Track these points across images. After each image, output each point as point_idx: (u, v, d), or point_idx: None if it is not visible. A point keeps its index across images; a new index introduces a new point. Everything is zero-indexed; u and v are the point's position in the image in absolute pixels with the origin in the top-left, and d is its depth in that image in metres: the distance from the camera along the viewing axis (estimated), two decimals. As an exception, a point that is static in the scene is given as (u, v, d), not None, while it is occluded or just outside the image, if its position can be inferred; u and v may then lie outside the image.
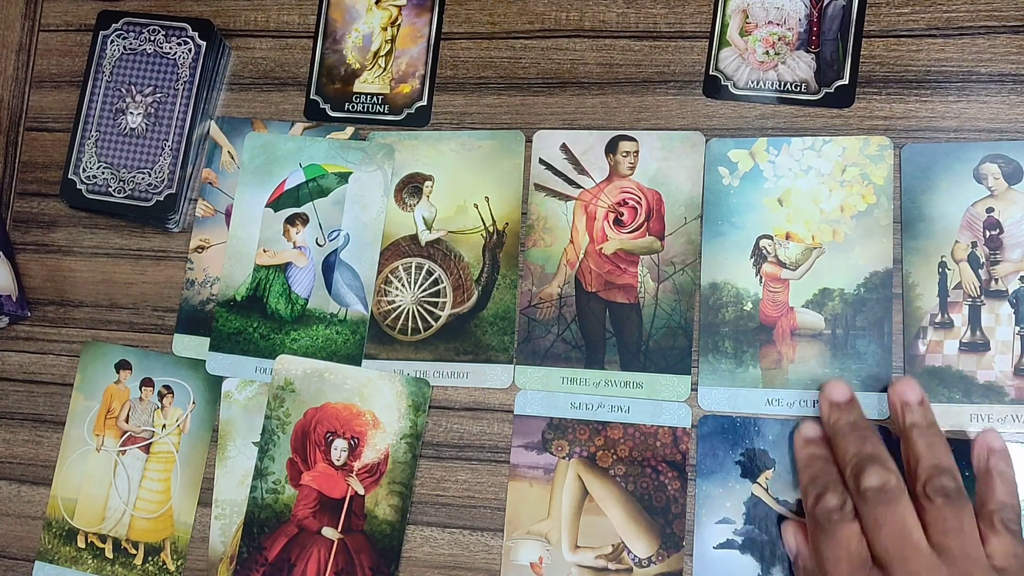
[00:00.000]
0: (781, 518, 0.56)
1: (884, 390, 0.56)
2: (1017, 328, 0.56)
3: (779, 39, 0.62)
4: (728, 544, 0.57)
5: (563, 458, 0.60)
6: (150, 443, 0.65)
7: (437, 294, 0.63)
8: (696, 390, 0.59)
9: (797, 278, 0.59)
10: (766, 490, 0.57)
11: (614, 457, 0.59)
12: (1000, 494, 0.50)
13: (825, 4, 0.62)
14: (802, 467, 0.54)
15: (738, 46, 0.63)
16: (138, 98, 0.66)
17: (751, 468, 0.58)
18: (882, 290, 0.58)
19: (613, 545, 0.58)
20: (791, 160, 0.60)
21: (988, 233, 0.58)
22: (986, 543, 0.47)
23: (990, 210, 0.58)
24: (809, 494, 0.51)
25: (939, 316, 0.57)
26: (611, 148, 0.63)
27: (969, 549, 0.47)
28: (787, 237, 0.60)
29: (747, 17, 0.63)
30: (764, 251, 0.60)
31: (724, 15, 0.63)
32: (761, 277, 0.60)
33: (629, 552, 0.58)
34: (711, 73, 0.63)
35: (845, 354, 0.57)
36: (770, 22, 0.63)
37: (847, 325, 0.58)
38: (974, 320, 0.57)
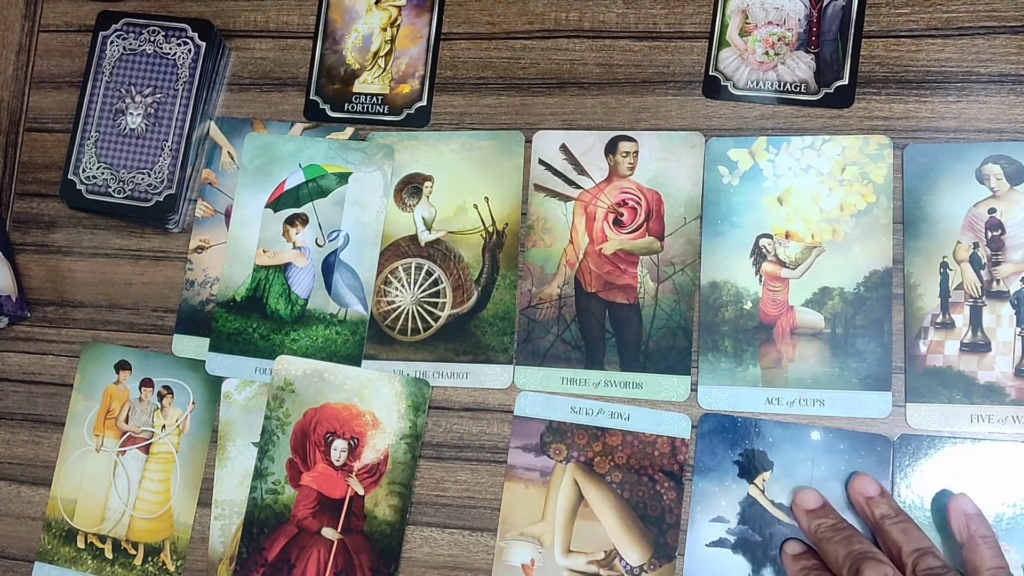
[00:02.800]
0: (783, 540, 0.56)
1: (885, 389, 0.56)
2: (1018, 329, 0.56)
3: (779, 39, 0.62)
4: (720, 543, 0.57)
5: (560, 462, 0.60)
6: (150, 443, 0.65)
7: (437, 294, 0.63)
8: (696, 390, 0.59)
9: (797, 277, 0.59)
10: (762, 492, 0.57)
11: (611, 464, 0.59)
12: (989, 560, 0.50)
13: (825, 4, 0.62)
14: None
15: (738, 46, 0.63)
16: (138, 99, 0.66)
17: (749, 469, 0.57)
18: (882, 289, 0.58)
19: (606, 551, 0.58)
20: (791, 159, 0.60)
21: (990, 234, 0.57)
22: None
23: (992, 211, 0.57)
24: None
25: (940, 316, 0.57)
26: (611, 148, 0.63)
27: None
28: (787, 236, 0.59)
29: (747, 17, 0.63)
30: (764, 250, 0.60)
31: (724, 15, 0.63)
32: (761, 276, 0.59)
33: (621, 559, 0.58)
34: (711, 73, 0.62)
35: (845, 353, 0.57)
36: (770, 22, 0.63)
37: (847, 324, 0.58)
38: (975, 321, 0.57)
